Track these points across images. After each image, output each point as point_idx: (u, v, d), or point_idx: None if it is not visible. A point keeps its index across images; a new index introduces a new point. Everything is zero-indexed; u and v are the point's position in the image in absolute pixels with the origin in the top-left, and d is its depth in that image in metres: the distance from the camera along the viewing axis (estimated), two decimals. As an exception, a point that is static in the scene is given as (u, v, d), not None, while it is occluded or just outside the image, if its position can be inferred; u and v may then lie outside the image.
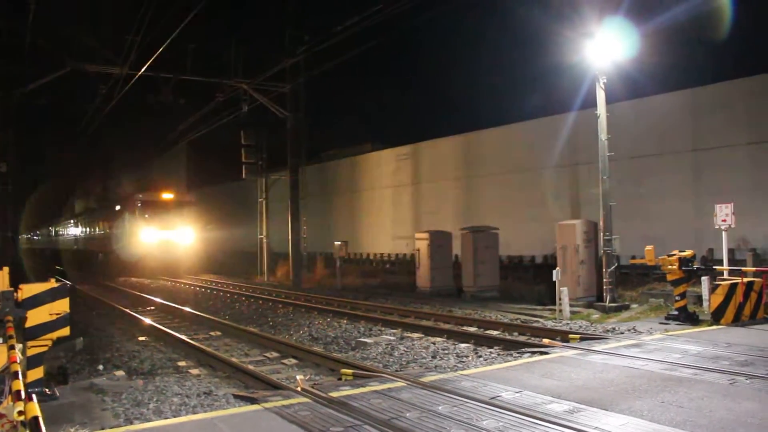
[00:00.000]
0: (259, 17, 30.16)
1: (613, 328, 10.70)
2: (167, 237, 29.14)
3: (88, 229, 40.77)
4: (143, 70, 19.35)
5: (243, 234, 34.72)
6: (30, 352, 6.51)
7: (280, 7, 24.35)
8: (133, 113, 29.59)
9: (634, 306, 13.44)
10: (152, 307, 17.66)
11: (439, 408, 5.81)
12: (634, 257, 14.05)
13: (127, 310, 16.15)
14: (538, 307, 14.48)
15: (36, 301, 6.58)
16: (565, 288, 12.77)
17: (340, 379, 7.70)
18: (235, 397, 7.02)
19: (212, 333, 12.89)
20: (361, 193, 30.97)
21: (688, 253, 11.14)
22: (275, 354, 10.32)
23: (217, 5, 26.53)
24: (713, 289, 10.73)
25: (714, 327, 10.31)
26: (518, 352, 9.05)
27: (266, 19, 28.52)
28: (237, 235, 36.18)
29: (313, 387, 6.84)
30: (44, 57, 21.11)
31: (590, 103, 14.37)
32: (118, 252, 30.31)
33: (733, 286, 10.51)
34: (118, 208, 32.20)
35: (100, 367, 9.42)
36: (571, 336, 9.98)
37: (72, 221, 49.02)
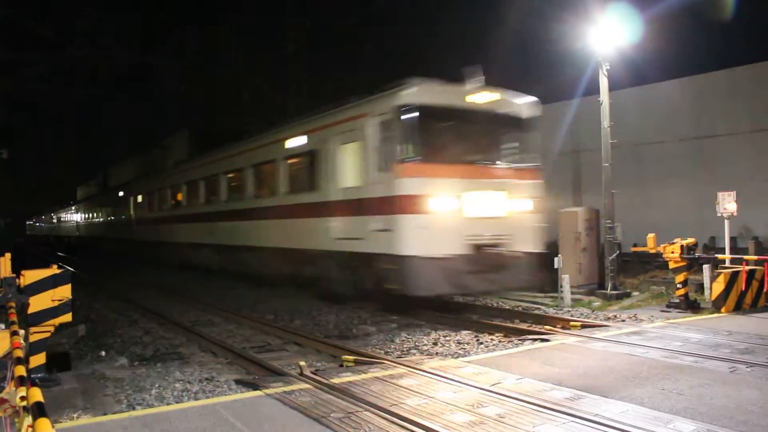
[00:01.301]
0: (261, 3, 30.00)
1: (615, 316, 10.71)
2: (496, 207, 11.09)
3: (164, 203, 23.48)
4: (144, 56, 19.28)
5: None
6: (32, 338, 6.54)
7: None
8: (133, 99, 29.34)
9: (635, 294, 13.44)
10: None
11: (440, 394, 5.83)
12: (635, 245, 14.04)
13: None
14: (540, 295, 14.48)
15: (38, 287, 6.60)
16: (567, 275, 12.76)
17: (342, 365, 7.71)
18: (237, 382, 7.04)
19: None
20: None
21: (690, 240, 11.12)
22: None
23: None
24: (715, 277, 10.72)
25: (715, 315, 10.32)
26: (519, 340, 9.06)
27: (268, 5, 28.38)
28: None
29: (314, 373, 6.86)
30: (44, 43, 21.06)
31: (593, 90, 14.30)
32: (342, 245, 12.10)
33: (734, 274, 10.50)
34: (302, 141, 13.44)
35: (102, 353, 9.45)
36: (572, 323, 10.00)
37: (120, 193, 30.48)
